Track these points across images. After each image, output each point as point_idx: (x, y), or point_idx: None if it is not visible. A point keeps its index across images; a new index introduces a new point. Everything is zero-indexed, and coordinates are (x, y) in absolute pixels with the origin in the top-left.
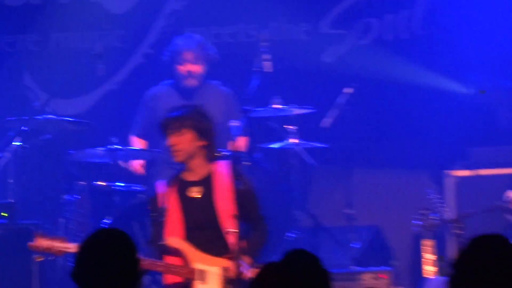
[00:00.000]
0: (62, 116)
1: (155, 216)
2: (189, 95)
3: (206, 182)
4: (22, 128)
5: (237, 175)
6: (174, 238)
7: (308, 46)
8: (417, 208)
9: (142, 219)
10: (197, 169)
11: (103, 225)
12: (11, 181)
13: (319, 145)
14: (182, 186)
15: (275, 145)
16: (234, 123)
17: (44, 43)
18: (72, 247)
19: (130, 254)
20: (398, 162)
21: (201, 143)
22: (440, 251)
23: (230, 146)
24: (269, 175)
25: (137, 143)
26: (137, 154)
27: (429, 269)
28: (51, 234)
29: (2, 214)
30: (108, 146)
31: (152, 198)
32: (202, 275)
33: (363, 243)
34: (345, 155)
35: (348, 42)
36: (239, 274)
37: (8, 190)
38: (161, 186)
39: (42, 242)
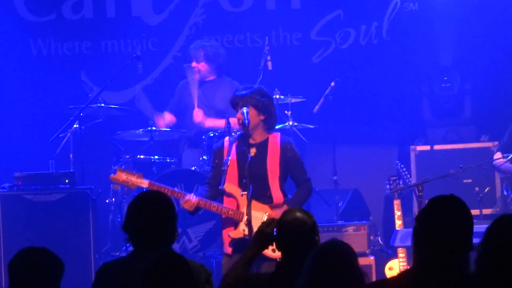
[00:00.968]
0: (110, 105)
1: (217, 164)
2: (207, 86)
3: (262, 146)
4: (80, 113)
5: (285, 145)
6: (231, 184)
7: (301, 50)
8: (388, 175)
9: (175, 184)
10: (257, 136)
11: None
12: (71, 155)
13: (310, 126)
14: (243, 145)
15: (277, 127)
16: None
17: (96, 48)
18: (145, 182)
19: (168, 210)
20: (373, 139)
21: (261, 117)
22: (405, 208)
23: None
24: None
25: (168, 116)
26: (169, 134)
27: (398, 223)
28: (131, 170)
29: (65, 181)
30: (147, 128)
31: (219, 149)
32: (249, 218)
33: (346, 203)
34: (331, 134)
35: (332, 47)
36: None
37: (69, 162)
38: (227, 142)
39: (122, 175)
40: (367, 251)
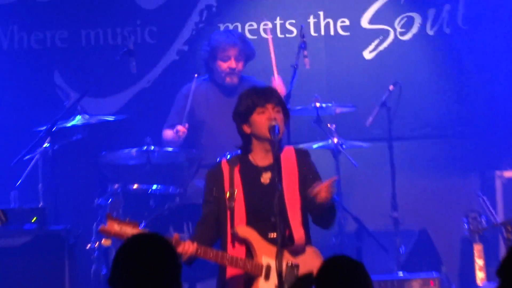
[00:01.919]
0: (93, 116)
1: (215, 197)
2: (229, 92)
3: (275, 169)
4: (52, 128)
5: (302, 158)
6: (244, 226)
7: (348, 42)
8: (466, 211)
9: (181, 223)
10: (268, 154)
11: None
12: (41, 184)
13: (362, 144)
14: (249, 170)
15: (315, 145)
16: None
17: (74, 40)
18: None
19: (170, 260)
20: (444, 162)
21: (284, 126)
22: (490, 256)
23: None
24: None
25: (168, 134)
26: (172, 155)
27: (480, 276)
28: (122, 212)
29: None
30: (142, 147)
31: (216, 176)
32: (268, 271)
33: (410, 248)
34: (390, 156)
35: (390, 38)
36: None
37: (37, 194)
38: (226, 165)
39: (114, 226)
40: None
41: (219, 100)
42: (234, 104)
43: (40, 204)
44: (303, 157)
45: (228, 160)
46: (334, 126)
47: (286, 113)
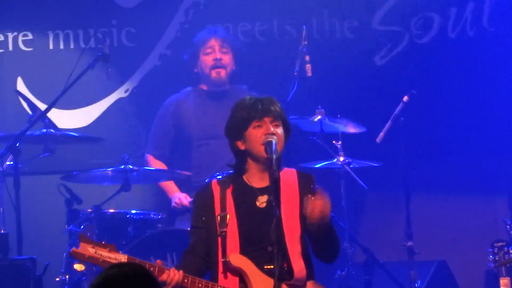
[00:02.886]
0: (62, 131)
1: (204, 222)
2: (216, 100)
3: (272, 191)
4: (16, 144)
5: (305, 183)
6: (237, 255)
7: (357, 46)
8: (491, 239)
9: (163, 253)
10: (265, 174)
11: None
12: (2, 208)
13: (372, 164)
14: (243, 192)
15: (319, 165)
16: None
17: (39, 43)
18: (122, 257)
19: None
20: (467, 183)
21: (283, 142)
22: None
23: None
24: None
25: (154, 164)
26: (154, 175)
27: None
28: (96, 240)
29: None
30: (119, 166)
31: (205, 199)
32: None
33: (427, 282)
34: (401, 176)
35: (405, 41)
36: None
37: None
38: (217, 187)
39: (88, 248)
40: None
41: (208, 109)
42: (226, 112)
43: (1, 231)
44: (306, 181)
45: (219, 181)
46: (340, 143)
47: (287, 128)
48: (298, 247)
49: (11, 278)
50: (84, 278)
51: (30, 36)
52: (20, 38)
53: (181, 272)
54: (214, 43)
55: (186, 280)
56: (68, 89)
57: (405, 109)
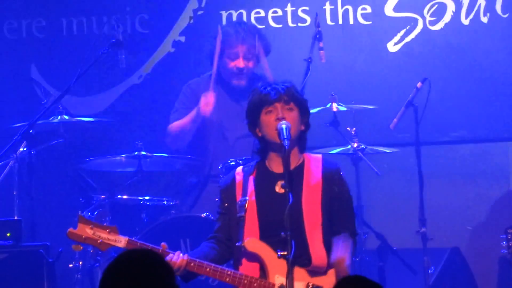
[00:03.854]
0: (76, 117)
1: (227, 209)
2: (238, 94)
3: (295, 176)
4: (29, 130)
5: (331, 173)
6: (254, 239)
7: (371, 32)
8: (505, 226)
9: (177, 239)
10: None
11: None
12: (16, 193)
13: (385, 150)
14: (265, 177)
15: (332, 151)
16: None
17: (53, 30)
18: (121, 240)
19: (166, 279)
20: (481, 170)
21: (301, 127)
22: None
23: None
24: None
25: (177, 124)
26: (167, 162)
27: None
28: (97, 221)
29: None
30: (132, 153)
31: (228, 186)
32: None
33: (440, 268)
34: (415, 162)
35: (418, 28)
36: None
37: (12, 205)
38: (240, 175)
39: (86, 229)
40: None
41: (224, 102)
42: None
43: (15, 217)
44: (332, 170)
45: (243, 168)
46: (354, 129)
47: (303, 110)
48: (318, 234)
49: (24, 265)
50: (97, 264)
51: (43, 23)
52: (34, 25)
53: (185, 256)
54: (239, 49)
55: (192, 264)
56: (82, 76)
57: (419, 96)
